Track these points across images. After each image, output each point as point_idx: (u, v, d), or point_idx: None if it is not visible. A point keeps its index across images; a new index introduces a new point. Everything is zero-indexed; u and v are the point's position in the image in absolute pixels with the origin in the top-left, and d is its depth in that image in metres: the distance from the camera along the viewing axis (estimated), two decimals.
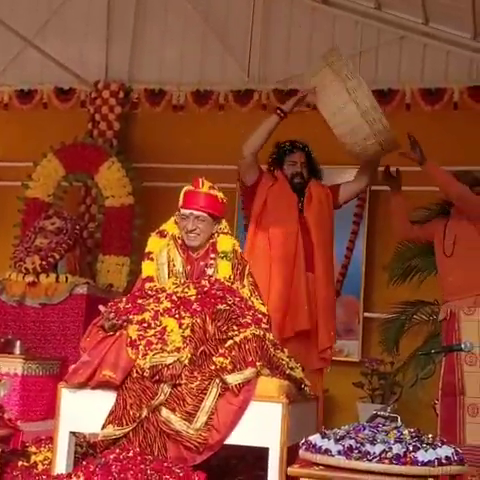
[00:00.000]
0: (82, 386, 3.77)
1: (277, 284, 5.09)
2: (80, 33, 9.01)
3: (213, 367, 3.64)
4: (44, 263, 7.24)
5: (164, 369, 3.64)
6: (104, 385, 3.72)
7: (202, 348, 3.70)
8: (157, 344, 3.71)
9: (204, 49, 8.81)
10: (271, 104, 8.27)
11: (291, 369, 3.96)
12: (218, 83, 8.66)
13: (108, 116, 8.70)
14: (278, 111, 5.26)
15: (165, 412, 3.63)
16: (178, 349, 3.68)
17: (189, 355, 3.66)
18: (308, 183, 5.36)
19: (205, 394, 3.61)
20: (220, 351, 3.68)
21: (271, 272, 5.13)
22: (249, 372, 3.63)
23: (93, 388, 3.75)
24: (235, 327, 3.75)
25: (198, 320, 3.75)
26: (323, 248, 5.27)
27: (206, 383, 3.62)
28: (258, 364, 3.65)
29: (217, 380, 3.61)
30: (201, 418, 3.58)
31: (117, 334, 3.80)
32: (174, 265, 4.15)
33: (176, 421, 3.60)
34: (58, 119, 8.83)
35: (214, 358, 3.66)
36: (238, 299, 3.91)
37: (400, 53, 8.33)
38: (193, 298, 3.87)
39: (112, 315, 3.82)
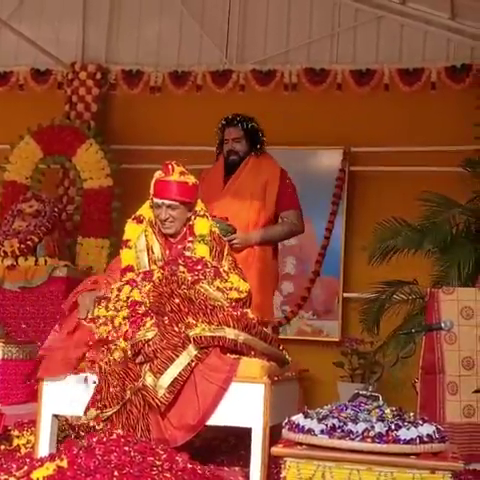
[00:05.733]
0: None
1: None
2: (56, 13, 8.94)
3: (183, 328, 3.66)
4: (23, 246, 7.19)
5: (145, 346, 3.63)
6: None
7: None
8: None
9: (181, 29, 8.76)
10: (249, 84, 8.27)
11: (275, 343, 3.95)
12: (196, 64, 8.62)
13: (85, 98, 8.64)
14: None
15: (144, 366, 3.64)
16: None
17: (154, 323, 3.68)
18: (247, 158, 5.09)
19: (177, 353, 3.60)
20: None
21: None
22: (220, 330, 3.64)
23: None
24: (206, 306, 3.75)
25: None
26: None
27: (176, 340, 3.62)
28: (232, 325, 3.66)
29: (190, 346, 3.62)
30: (170, 372, 3.56)
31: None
32: (153, 252, 4.14)
33: (148, 375, 3.60)
34: (35, 101, 8.77)
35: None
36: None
37: (378, 33, 8.35)
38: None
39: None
